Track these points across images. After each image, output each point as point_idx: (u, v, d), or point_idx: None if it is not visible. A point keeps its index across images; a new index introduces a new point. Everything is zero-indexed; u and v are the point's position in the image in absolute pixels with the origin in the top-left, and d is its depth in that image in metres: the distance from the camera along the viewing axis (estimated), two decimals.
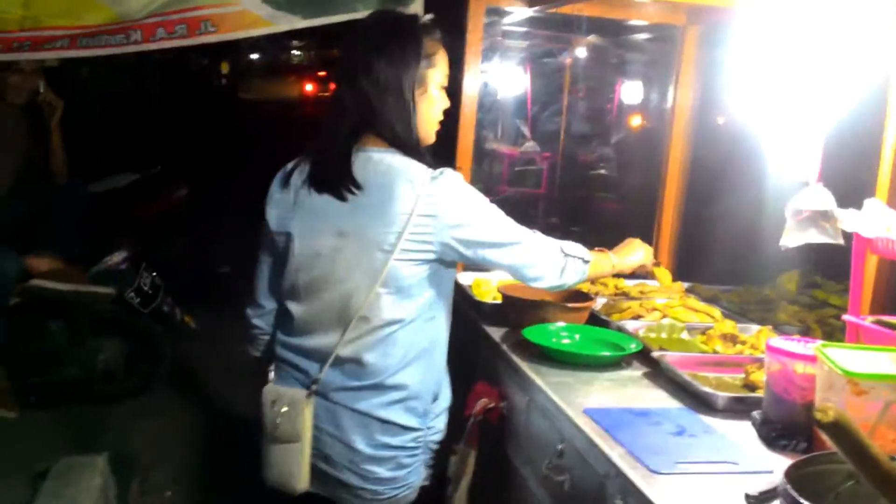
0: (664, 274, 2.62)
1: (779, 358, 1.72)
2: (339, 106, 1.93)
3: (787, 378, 1.71)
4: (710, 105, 3.17)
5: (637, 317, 2.57)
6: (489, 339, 2.42)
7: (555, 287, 2.03)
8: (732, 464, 1.56)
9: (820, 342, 1.65)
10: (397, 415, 1.91)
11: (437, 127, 2.01)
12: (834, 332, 2.36)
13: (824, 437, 1.16)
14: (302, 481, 1.92)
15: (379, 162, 1.89)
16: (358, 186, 1.87)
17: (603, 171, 4.57)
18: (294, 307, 1.96)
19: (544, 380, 2.02)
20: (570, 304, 2.45)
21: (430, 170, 1.87)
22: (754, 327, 2.48)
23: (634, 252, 2.28)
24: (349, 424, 1.91)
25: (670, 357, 2.12)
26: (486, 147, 5.14)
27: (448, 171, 1.89)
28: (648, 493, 1.44)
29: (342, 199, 1.88)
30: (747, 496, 1.39)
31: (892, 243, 1.68)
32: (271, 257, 2.04)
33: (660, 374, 2.10)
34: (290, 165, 2.00)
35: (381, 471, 1.92)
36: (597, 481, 1.63)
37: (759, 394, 1.89)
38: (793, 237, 2.05)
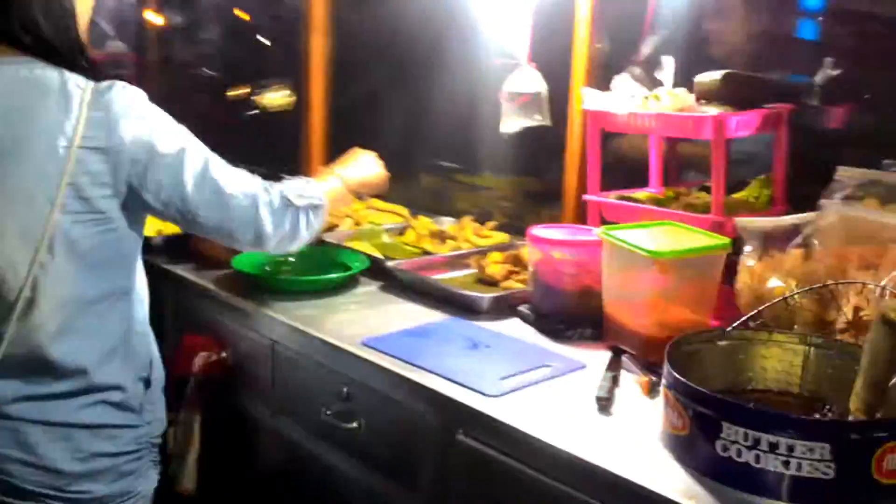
0: None
1: (545, 248, 1.66)
2: None
3: (554, 268, 1.66)
4: None
5: (331, 227, 2.34)
6: (180, 281, 1.99)
7: (289, 250, 1.60)
8: (545, 367, 1.47)
9: (593, 228, 1.63)
10: (107, 415, 1.43)
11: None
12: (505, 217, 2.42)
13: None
14: None
15: (13, 79, 1.34)
16: None
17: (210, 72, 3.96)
18: None
19: (286, 315, 1.71)
20: None
21: (94, 82, 1.36)
22: (446, 220, 2.43)
23: (362, 162, 1.79)
24: (43, 442, 1.38)
25: (406, 265, 1.95)
26: None
27: (121, 83, 1.38)
28: (501, 418, 1.27)
29: None
30: (599, 399, 1.31)
31: (636, 117, 1.69)
32: None
33: (396, 286, 1.92)
34: None
35: (99, 487, 1.44)
36: (410, 419, 1.42)
37: (514, 286, 1.84)
38: (510, 122, 2.00)
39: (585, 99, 1.77)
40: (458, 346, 1.55)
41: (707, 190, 1.87)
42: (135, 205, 1.40)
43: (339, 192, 1.68)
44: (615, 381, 1.39)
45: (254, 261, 1.96)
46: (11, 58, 1.35)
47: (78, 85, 1.34)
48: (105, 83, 1.37)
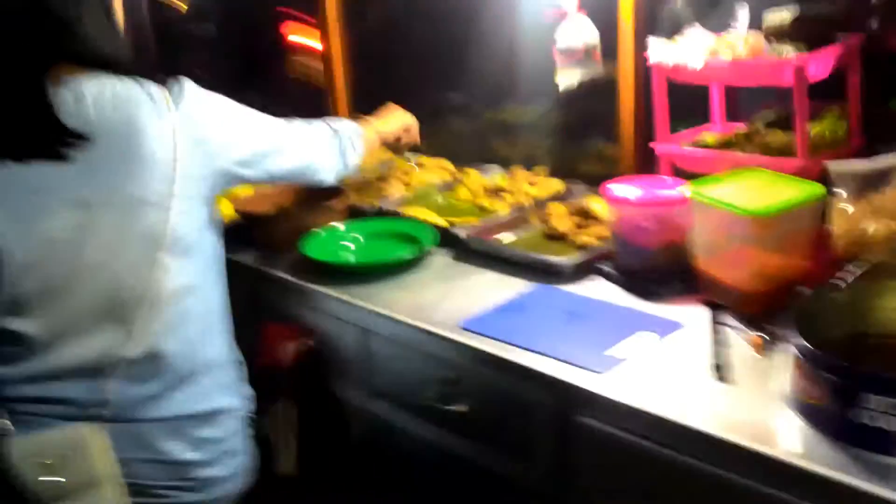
0: None
1: (627, 209, 1.65)
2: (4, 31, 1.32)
3: (636, 225, 1.65)
4: None
5: (384, 194, 2.31)
6: (248, 270, 1.99)
7: (341, 175, 1.82)
8: (649, 332, 1.47)
9: (679, 182, 1.61)
10: (214, 400, 1.50)
11: None
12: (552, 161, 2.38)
13: None
14: None
15: (98, 95, 1.35)
16: (80, 136, 1.32)
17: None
18: (22, 325, 1.38)
19: (373, 302, 1.71)
20: (326, 204, 2.09)
21: (161, 86, 1.40)
22: (494, 168, 2.40)
23: (396, 116, 2.04)
24: (162, 438, 1.44)
25: (475, 232, 1.94)
26: None
27: (182, 79, 1.44)
28: (615, 397, 1.29)
29: (62, 159, 1.32)
30: (716, 367, 1.32)
31: (709, 68, 1.65)
32: None
33: (469, 253, 1.91)
34: None
35: (216, 471, 1.51)
36: (523, 402, 1.44)
37: (586, 241, 1.83)
38: (566, 76, 1.95)
39: (652, 51, 1.72)
40: (556, 318, 1.55)
41: (775, 125, 1.85)
42: (222, 186, 1.50)
43: (373, 140, 1.93)
44: (725, 343, 1.39)
45: (321, 245, 1.94)
46: (90, 76, 1.35)
47: (152, 90, 1.38)
48: (173, 84, 1.41)
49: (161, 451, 1.44)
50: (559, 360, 1.40)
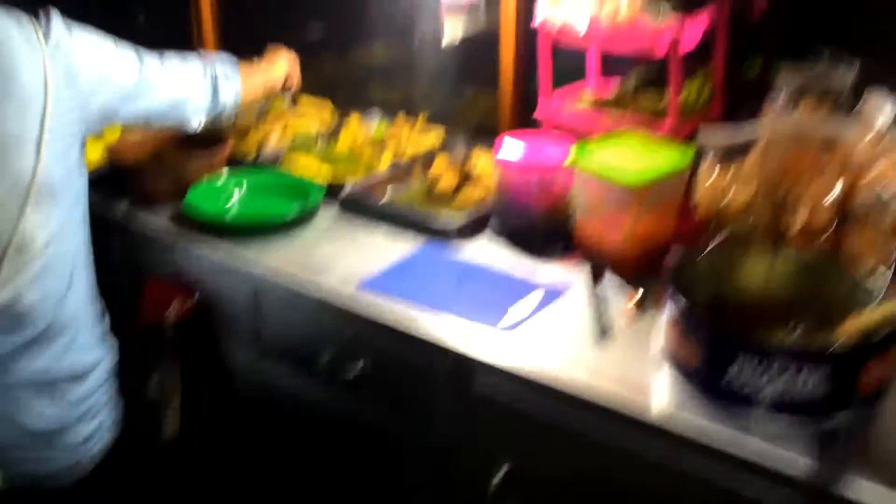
0: None
1: (516, 173, 1.71)
2: None
3: (522, 187, 1.72)
4: None
5: (263, 141, 2.26)
6: (126, 223, 1.92)
7: (212, 114, 1.80)
8: (536, 290, 1.56)
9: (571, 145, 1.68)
10: (82, 353, 1.50)
11: None
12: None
13: None
14: None
15: None
16: None
17: None
18: None
19: (262, 259, 1.70)
20: (204, 151, 2.02)
21: (30, 17, 1.35)
22: (374, 114, 2.40)
23: (281, 59, 2.01)
24: (31, 396, 1.43)
25: (359, 187, 1.95)
26: None
27: (51, 11, 1.39)
28: (508, 362, 1.37)
29: None
30: (598, 328, 1.43)
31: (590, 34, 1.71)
32: None
33: (354, 208, 1.92)
34: None
35: (87, 428, 1.52)
36: (423, 360, 1.50)
37: (469, 199, 1.89)
38: (453, 27, 1.96)
39: (540, 10, 1.76)
40: (448, 279, 1.61)
41: (647, 83, 1.95)
42: (91, 129, 1.47)
43: (257, 84, 1.91)
44: (605, 302, 1.51)
45: (203, 197, 1.89)
46: None
47: (26, 22, 1.33)
48: (41, 17, 1.36)
49: (31, 412, 1.43)
50: (460, 317, 1.47)
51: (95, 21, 1.57)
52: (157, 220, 1.88)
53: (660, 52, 1.66)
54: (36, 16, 1.35)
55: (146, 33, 1.78)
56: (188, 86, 1.69)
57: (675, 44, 1.64)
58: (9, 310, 1.36)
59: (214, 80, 1.76)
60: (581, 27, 1.68)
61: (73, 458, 1.52)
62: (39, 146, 1.31)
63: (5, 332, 1.39)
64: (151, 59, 1.62)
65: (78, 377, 1.49)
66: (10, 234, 1.32)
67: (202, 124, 1.80)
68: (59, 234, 1.40)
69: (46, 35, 1.34)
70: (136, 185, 1.95)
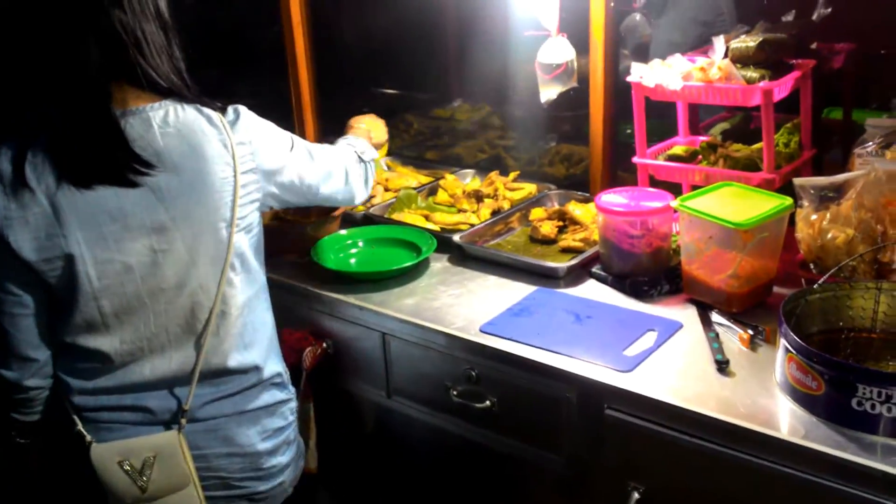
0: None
1: (617, 219, 1.84)
2: (71, 56, 1.36)
3: (625, 233, 1.85)
4: None
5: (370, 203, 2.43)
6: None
7: (363, 200, 1.93)
8: (653, 330, 1.68)
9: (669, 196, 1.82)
10: (276, 394, 1.66)
11: None
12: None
13: None
14: None
15: (164, 122, 1.43)
16: (149, 164, 1.40)
17: None
18: (100, 342, 1.49)
19: (387, 307, 1.85)
20: (325, 217, 2.19)
21: (219, 113, 1.50)
22: (468, 173, 2.56)
23: (377, 125, 2.14)
24: (239, 430, 1.59)
25: (469, 237, 2.10)
26: None
27: (238, 107, 1.54)
28: (643, 392, 1.48)
29: (131, 185, 1.41)
30: (718, 362, 1.54)
31: (688, 89, 1.86)
32: (32, 295, 1.47)
33: (463, 256, 2.07)
34: None
35: (283, 459, 1.68)
36: (549, 396, 1.62)
37: (572, 244, 2.03)
38: (547, 91, 2.12)
39: (635, 73, 1.92)
40: (565, 320, 1.74)
41: (731, 135, 2.08)
42: (266, 208, 1.62)
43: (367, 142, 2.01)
44: (718, 339, 1.62)
45: (328, 252, 2.06)
46: (156, 103, 1.43)
47: (213, 116, 1.47)
48: (229, 111, 1.51)
49: (240, 442, 1.58)
50: (582, 359, 1.59)
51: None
52: (292, 276, 2.04)
53: (753, 102, 1.79)
54: (224, 110, 1.50)
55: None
56: (349, 178, 1.82)
57: (768, 95, 1.77)
58: (217, 373, 1.55)
59: (366, 170, 1.89)
60: (675, 86, 1.83)
61: (273, 483, 1.67)
62: (231, 228, 1.48)
63: (217, 386, 1.57)
64: (321, 153, 1.74)
65: (274, 410, 1.65)
66: (214, 306, 1.49)
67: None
68: (254, 302, 1.58)
69: (235, 129, 1.48)
70: (267, 244, 2.12)
